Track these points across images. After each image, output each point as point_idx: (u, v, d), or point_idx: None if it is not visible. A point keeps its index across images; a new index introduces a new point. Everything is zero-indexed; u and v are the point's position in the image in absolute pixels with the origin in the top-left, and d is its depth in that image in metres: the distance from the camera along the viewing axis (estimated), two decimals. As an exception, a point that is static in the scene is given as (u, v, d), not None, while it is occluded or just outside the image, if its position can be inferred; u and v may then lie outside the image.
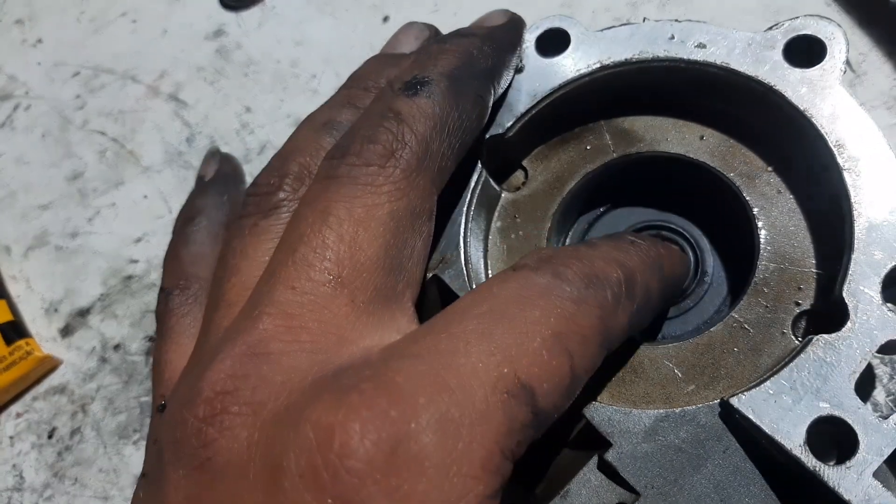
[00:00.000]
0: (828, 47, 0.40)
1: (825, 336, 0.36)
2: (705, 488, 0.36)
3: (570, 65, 0.46)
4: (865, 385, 0.48)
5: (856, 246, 0.37)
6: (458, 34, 0.43)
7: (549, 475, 0.41)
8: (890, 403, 0.48)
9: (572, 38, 0.46)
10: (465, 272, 0.43)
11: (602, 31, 0.45)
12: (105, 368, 0.63)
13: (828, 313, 0.38)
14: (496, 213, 0.47)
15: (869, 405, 0.45)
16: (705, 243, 0.48)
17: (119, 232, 0.68)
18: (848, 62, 0.40)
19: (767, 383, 0.36)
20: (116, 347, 0.63)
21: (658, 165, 0.46)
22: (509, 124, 0.45)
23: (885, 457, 0.33)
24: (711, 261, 0.48)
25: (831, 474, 0.33)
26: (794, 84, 0.41)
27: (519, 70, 0.46)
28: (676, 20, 0.44)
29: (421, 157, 0.37)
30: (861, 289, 0.36)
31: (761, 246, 0.42)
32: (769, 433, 0.35)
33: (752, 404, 0.36)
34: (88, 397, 0.62)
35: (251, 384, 0.32)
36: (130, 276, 0.66)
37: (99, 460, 0.59)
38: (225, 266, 0.40)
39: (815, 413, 0.35)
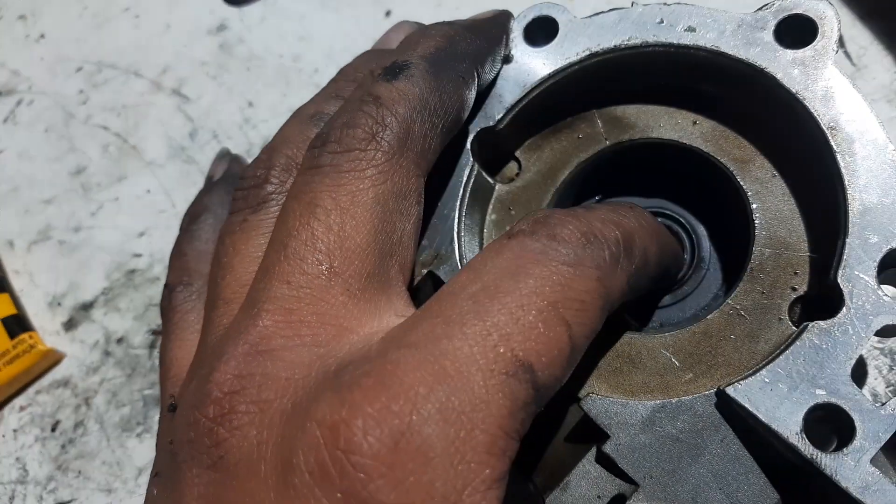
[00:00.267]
0: (819, 27, 0.40)
1: (820, 322, 0.36)
2: (704, 478, 0.36)
3: (559, 53, 0.45)
4: (863, 372, 0.48)
5: (850, 230, 0.37)
6: (442, 23, 0.44)
7: (549, 467, 0.41)
8: (890, 394, 0.47)
9: (560, 25, 0.45)
10: (460, 267, 0.43)
11: (590, 17, 0.45)
12: (108, 362, 0.63)
13: (824, 298, 0.38)
14: (490, 206, 0.47)
15: (868, 395, 0.45)
16: (701, 229, 0.48)
17: (122, 226, 0.69)
18: (841, 41, 0.39)
19: (763, 372, 0.36)
20: (119, 341, 0.64)
21: (651, 152, 0.46)
22: (500, 116, 0.45)
23: (882, 443, 0.33)
24: (707, 246, 0.48)
25: (828, 462, 0.33)
26: (785, 65, 0.40)
27: (507, 60, 0.46)
28: (665, 3, 0.43)
29: (402, 138, 0.37)
30: (856, 273, 0.36)
31: (756, 231, 0.41)
32: (765, 422, 0.34)
33: (748, 393, 0.35)
34: (92, 390, 0.62)
35: (257, 382, 0.32)
36: (133, 270, 0.66)
37: (102, 453, 0.60)
38: (219, 264, 0.40)
39: (811, 401, 0.34)
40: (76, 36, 0.79)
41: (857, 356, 0.35)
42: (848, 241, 0.37)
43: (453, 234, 0.44)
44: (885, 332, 0.36)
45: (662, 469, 0.36)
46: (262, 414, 0.31)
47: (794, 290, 0.40)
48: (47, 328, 0.65)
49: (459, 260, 0.43)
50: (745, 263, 0.41)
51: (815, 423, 0.34)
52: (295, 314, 0.34)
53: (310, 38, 0.73)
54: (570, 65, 0.45)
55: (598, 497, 0.38)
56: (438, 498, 0.28)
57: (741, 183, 0.43)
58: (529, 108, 0.46)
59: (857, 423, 0.33)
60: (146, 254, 0.67)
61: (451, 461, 0.28)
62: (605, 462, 0.38)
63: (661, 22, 0.43)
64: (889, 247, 0.36)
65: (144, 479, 0.58)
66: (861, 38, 0.58)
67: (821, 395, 0.34)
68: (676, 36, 0.43)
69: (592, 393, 0.39)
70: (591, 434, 0.38)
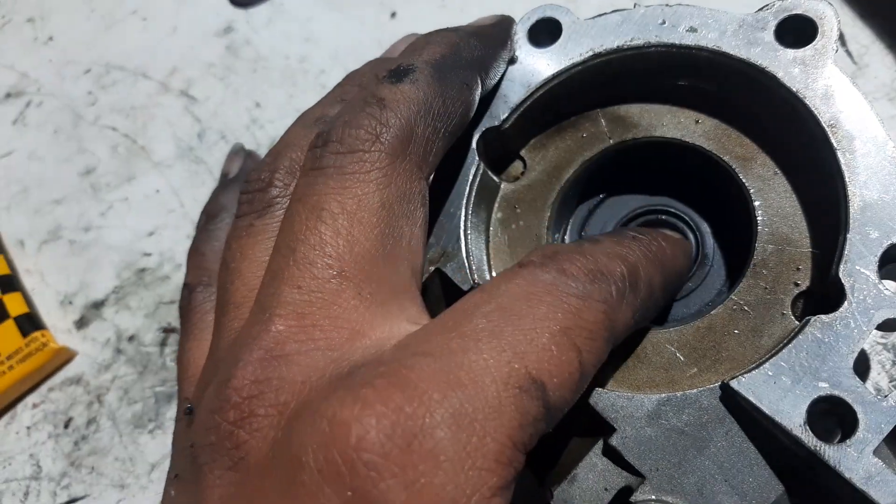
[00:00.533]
0: (819, 26, 0.40)
1: (822, 317, 0.36)
2: (709, 469, 0.36)
3: (563, 54, 0.46)
4: (866, 367, 0.48)
5: (851, 226, 0.37)
6: (446, 29, 0.44)
7: (556, 461, 0.42)
8: (893, 388, 0.48)
9: (564, 27, 0.46)
10: (466, 265, 0.43)
11: (593, 18, 0.45)
12: (120, 359, 0.64)
13: (826, 293, 0.38)
14: (496, 205, 0.48)
15: (871, 388, 0.45)
16: (705, 226, 0.48)
17: (132, 225, 0.69)
18: (841, 40, 0.40)
19: (766, 365, 0.36)
20: (131, 339, 0.64)
21: (655, 151, 0.46)
22: (505, 116, 0.46)
23: (885, 434, 0.33)
24: (711, 243, 0.48)
25: (832, 453, 0.34)
26: (786, 65, 0.40)
27: (512, 62, 0.46)
28: (667, 4, 0.44)
29: (405, 140, 0.37)
30: (857, 268, 0.36)
31: (759, 228, 0.42)
32: (769, 414, 0.35)
33: (752, 386, 0.36)
34: (104, 388, 0.63)
35: (274, 387, 0.32)
36: (144, 269, 0.67)
37: (115, 449, 0.60)
38: (227, 269, 0.40)
39: (814, 393, 0.35)
40: (84, 38, 0.79)
41: (859, 349, 0.35)
42: (849, 236, 0.37)
43: (460, 232, 0.44)
44: (887, 325, 0.36)
45: (668, 461, 0.37)
46: (281, 416, 0.32)
47: (797, 285, 0.40)
48: (59, 326, 0.66)
49: (466, 257, 0.43)
50: (748, 260, 0.42)
51: (819, 416, 0.35)
52: (307, 318, 0.34)
53: (316, 40, 0.73)
54: (574, 65, 0.45)
55: (606, 489, 0.38)
56: (447, 501, 0.28)
57: (743, 180, 0.43)
58: (534, 108, 0.46)
59: (860, 415, 0.34)
60: (156, 253, 0.67)
61: (462, 466, 0.28)
62: (612, 455, 0.38)
63: (664, 23, 0.43)
64: (889, 242, 0.37)
65: (157, 474, 0.59)
66: (862, 36, 0.58)
67: (823, 388, 0.35)
68: (678, 36, 0.43)
69: (598, 387, 0.39)
70: (598, 427, 0.39)
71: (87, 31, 0.79)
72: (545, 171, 0.48)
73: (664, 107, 0.46)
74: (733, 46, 0.42)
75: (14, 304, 0.64)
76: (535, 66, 0.46)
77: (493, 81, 0.45)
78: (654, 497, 0.36)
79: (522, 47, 0.46)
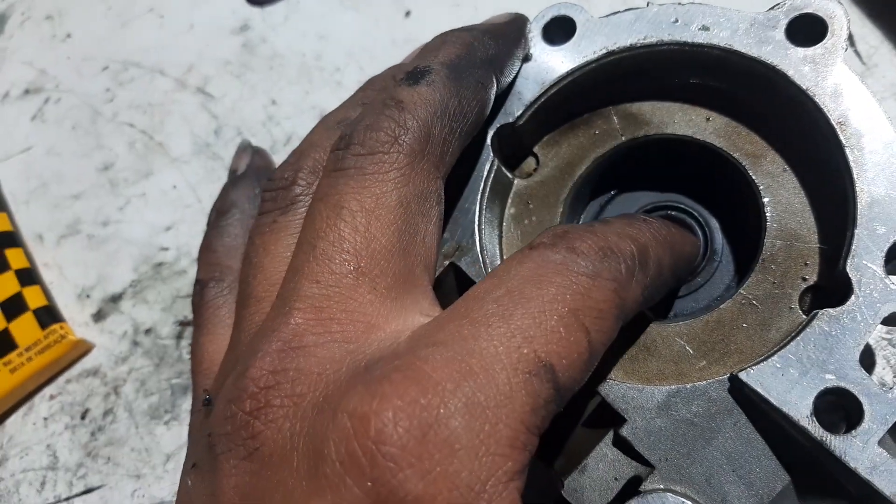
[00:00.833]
0: (829, 25, 0.40)
1: (830, 310, 0.37)
2: (717, 460, 0.37)
3: (577, 52, 0.46)
4: (871, 361, 0.49)
5: (859, 221, 0.37)
6: (461, 29, 0.44)
7: (567, 451, 0.42)
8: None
9: (578, 25, 0.46)
10: (480, 259, 0.44)
11: (607, 16, 0.46)
12: (137, 352, 0.64)
13: (833, 288, 0.39)
14: (509, 201, 0.48)
15: (877, 381, 0.45)
16: (714, 223, 0.49)
17: (149, 220, 0.70)
18: (850, 39, 0.40)
19: (774, 357, 0.36)
20: (148, 332, 0.65)
21: (666, 148, 0.47)
22: (519, 112, 0.46)
23: (890, 425, 0.34)
24: (720, 239, 0.48)
25: (837, 444, 0.34)
26: (796, 63, 0.41)
27: (526, 59, 0.47)
28: (680, 3, 0.44)
29: (423, 141, 0.38)
30: (864, 263, 0.37)
31: (768, 223, 0.42)
32: (777, 405, 0.35)
33: (761, 378, 0.36)
34: (121, 379, 0.64)
35: (290, 378, 0.33)
36: (161, 263, 0.68)
37: (131, 440, 0.61)
38: (249, 263, 0.41)
39: (820, 385, 0.35)
40: (102, 35, 0.80)
41: (865, 342, 0.36)
42: (856, 232, 0.37)
43: (474, 227, 0.45)
44: (893, 319, 0.36)
45: (677, 452, 0.37)
46: (296, 408, 0.32)
47: (805, 279, 0.41)
48: (77, 319, 0.67)
49: (480, 251, 0.44)
50: (756, 255, 0.42)
51: (825, 407, 0.35)
52: (325, 312, 0.35)
53: (331, 38, 0.74)
54: (588, 63, 0.46)
55: (616, 479, 0.38)
56: (463, 488, 0.28)
57: (753, 177, 0.43)
58: (548, 105, 0.47)
59: (866, 407, 0.34)
60: (173, 247, 0.68)
61: (476, 453, 0.29)
62: (622, 445, 0.39)
63: (676, 21, 0.44)
64: (896, 237, 0.37)
65: (172, 464, 0.59)
66: (871, 37, 0.58)
67: (830, 380, 0.35)
68: (691, 35, 0.43)
69: (609, 379, 0.40)
70: (609, 418, 0.39)
71: (104, 28, 0.80)
72: (558, 168, 0.48)
73: (675, 104, 0.47)
74: (745, 45, 0.42)
75: (33, 296, 0.65)
76: (550, 64, 0.46)
77: (508, 79, 0.45)
78: (662, 486, 0.37)
79: (537, 45, 0.47)
